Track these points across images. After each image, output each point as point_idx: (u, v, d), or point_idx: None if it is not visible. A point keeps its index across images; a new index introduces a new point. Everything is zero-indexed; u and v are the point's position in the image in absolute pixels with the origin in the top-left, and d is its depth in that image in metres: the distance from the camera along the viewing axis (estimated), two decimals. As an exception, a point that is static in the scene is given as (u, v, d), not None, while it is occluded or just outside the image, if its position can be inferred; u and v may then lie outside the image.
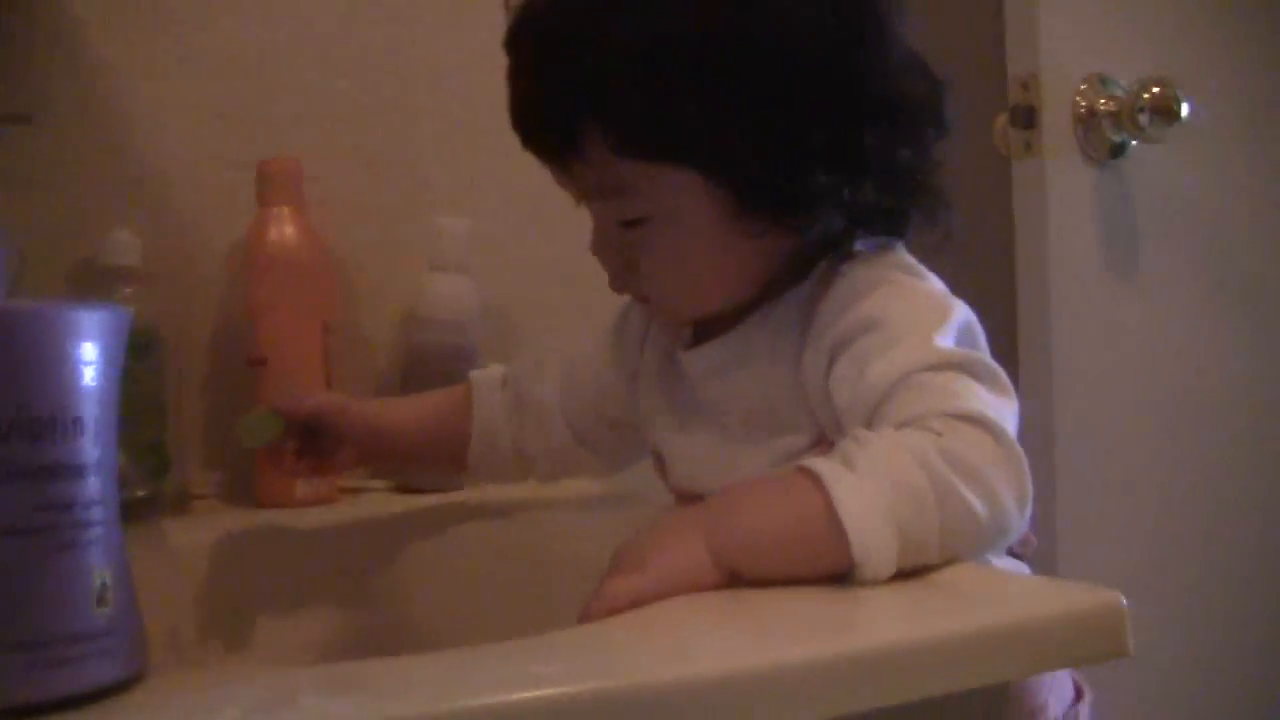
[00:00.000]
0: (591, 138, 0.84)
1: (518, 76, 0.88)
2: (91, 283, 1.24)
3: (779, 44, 0.83)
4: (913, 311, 0.83)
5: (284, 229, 1.27)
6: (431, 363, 1.32)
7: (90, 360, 0.55)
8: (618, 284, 0.93)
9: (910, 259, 0.90)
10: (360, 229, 1.39)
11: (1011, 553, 0.87)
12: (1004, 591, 0.72)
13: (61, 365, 0.54)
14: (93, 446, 0.55)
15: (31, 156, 1.25)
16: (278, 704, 0.54)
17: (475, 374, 1.12)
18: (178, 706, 0.55)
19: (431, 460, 1.16)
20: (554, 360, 1.09)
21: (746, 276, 0.90)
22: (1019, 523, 0.75)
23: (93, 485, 0.55)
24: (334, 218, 1.36)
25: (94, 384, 0.55)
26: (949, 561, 0.73)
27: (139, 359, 1.14)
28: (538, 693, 0.56)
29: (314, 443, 1.10)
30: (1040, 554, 0.94)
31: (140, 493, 1.13)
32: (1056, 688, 0.91)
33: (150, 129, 1.31)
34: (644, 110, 0.83)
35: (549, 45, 0.86)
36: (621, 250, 0.90)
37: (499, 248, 1.42)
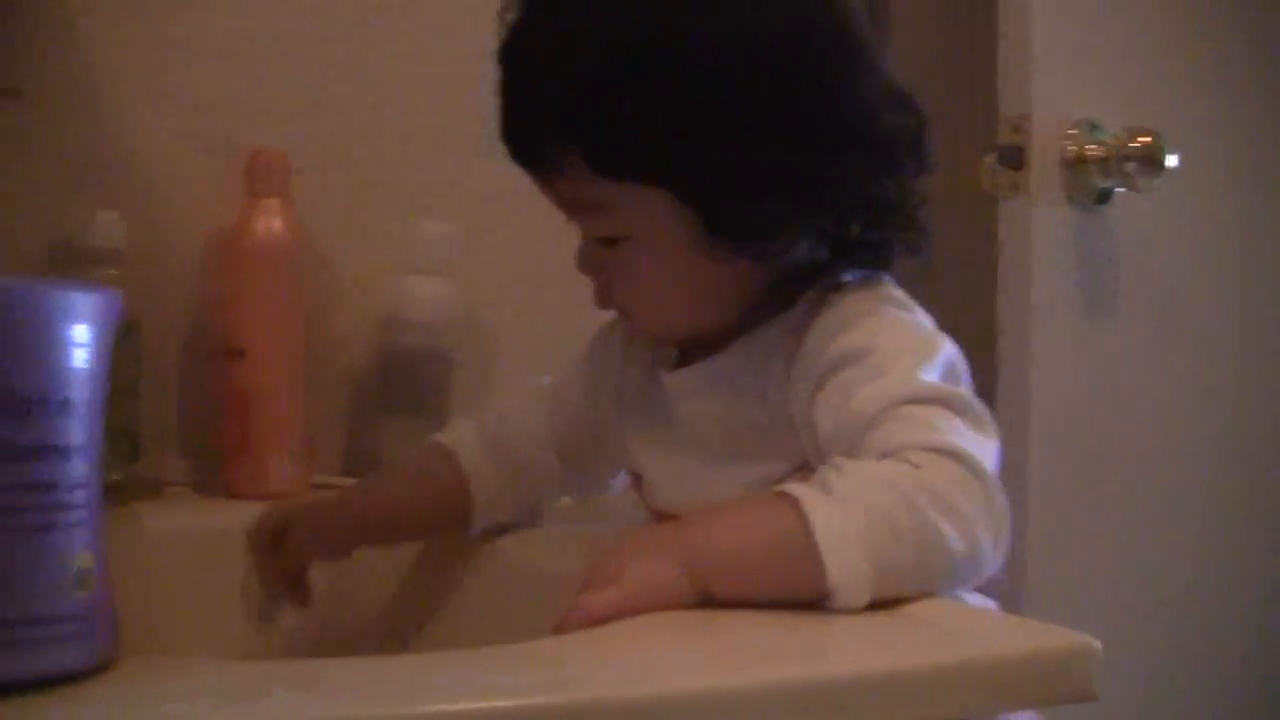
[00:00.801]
0: (570, 155, 0.85)
1: (502, 93, 0.89)
2: (72, 263, 1.23)
3: (746, 70, 0.83)
4: (899, 344, 0.83)
5: (271, 221, 1.27)
6: (410, 365, 1.32)
7: (81, 342, 0.55)
8: (601, 300, 0.93)
9: (898, 292, 0.90)
10: (343, 226, 1.39)
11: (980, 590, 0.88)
12: (975, 627, 0.73)
13: (52, 346, 0.54)
14: (79, 429, 0.55)
15: (18, 132, 1.25)
16: (249, 697, 0.54)
17: (451, 443, 1.06)
18: (151, 694, 0.55)
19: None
20: (530, 392, 1.09)
21: (721, 301, 0.90)
22: (994, 560, 0.75)
23: (77, 468, 0.55)
24: (317, 214, 1.36)
25: (84, 366, 0.55)
26: (922, 595, 0.73)
27: (117, 342, 1.13)
28: (500, 703, 0.56)
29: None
30: (1009, 593, 0.95)
31: (113, 477, 1.12)
32: (1022, 724, 0.92)
33: (136, 112, 1.31)
34: (615, 129, 0.83)
35: (528, 65, 0.87)
36: (602, 267, 0.91)
37: (482, 252, 1.42)
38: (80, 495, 0.55)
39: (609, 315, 1.00)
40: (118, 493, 1.12)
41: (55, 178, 1.27)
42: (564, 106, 0.84)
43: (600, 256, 0.90)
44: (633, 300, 0.91)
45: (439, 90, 1.42)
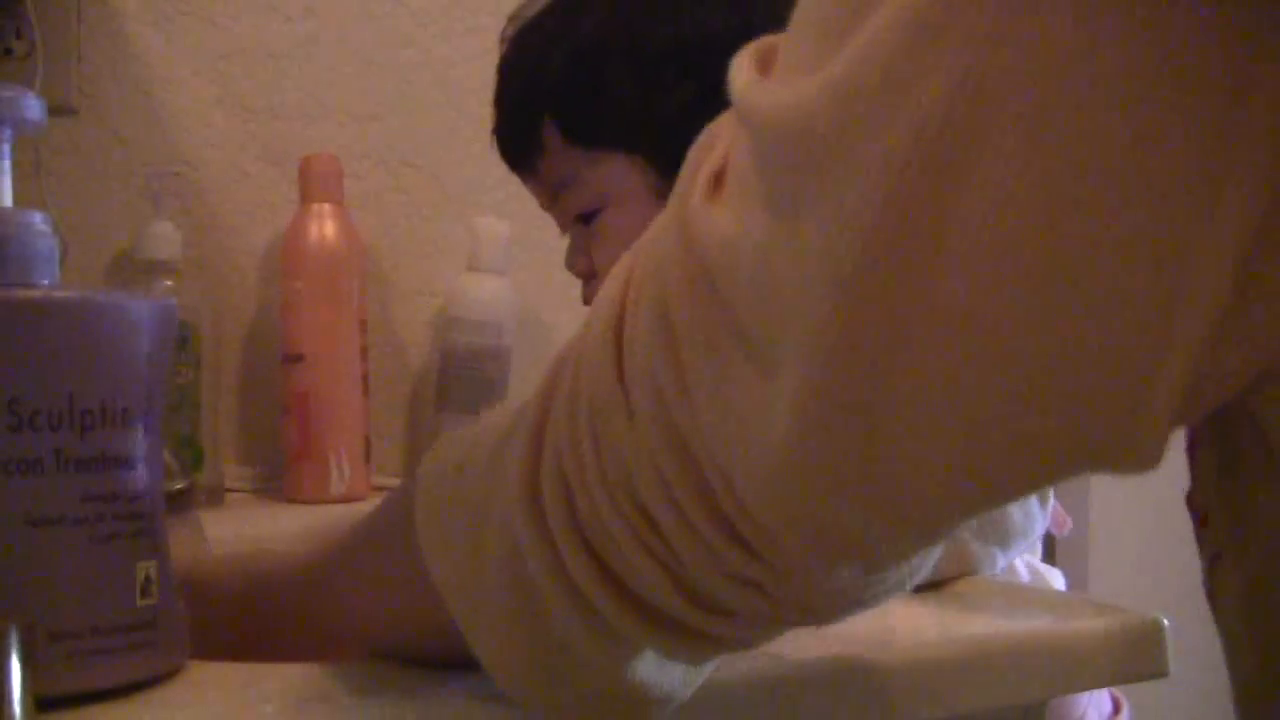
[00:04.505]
0: (548, 133, 0.96)
1: (497, 96, 1.01)
2: (130, 274, 1.24)
3: (694, 40, 0.93)
4: None
5: (325, 226, 1.27)
6: (467, 364, 1.32)
7: (141, 353, 0.56)
8: (588, 292, 1.01)
9: None
10: (399, 228, 1.39)
11: (1049, 540, 0.88)
12: (1044, 608, 0.72)
13: (113, 357, 0.55)
14: (140, 439, 0.55)
15: (75, 147, 1.26)
16: (315, 701, 0.55)
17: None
18: (217, 701, 0.55)
19: None
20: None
21: None
22: (1042, 519, 0.77)
23: (140, 477, 0.55)
24: (373, 216, 1.37)
25: (144, 376, 0.56)
26: (978, 569, 0.73)
27: (175, 352, 1.14)
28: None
29: None
30: (1072, 570, 0.94)
31: (177, 485, 1.13)
32: (1095, 701, 0.92)
33: (191, 122, 1.32)
34: (585, 101, 0.94)
35: (518, 64, 0.99)
36: (586, 254, 0.99)
37: (538, 251, 1.42)
38: (143, 504, 0.55)
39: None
40: (180, 500, 1.13)
41: (111, 190, 1.28)
42: (546, 88, 0.96)
43: (583, 242, 0.99)
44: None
45: (490, 92, 1.43)
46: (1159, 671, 0.66)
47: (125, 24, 1.29)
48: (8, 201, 0.57)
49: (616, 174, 0.95)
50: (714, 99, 0.89)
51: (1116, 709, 0.95)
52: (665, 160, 0.93)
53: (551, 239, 1.43)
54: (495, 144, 1.02)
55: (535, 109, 0.97)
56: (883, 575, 0.47)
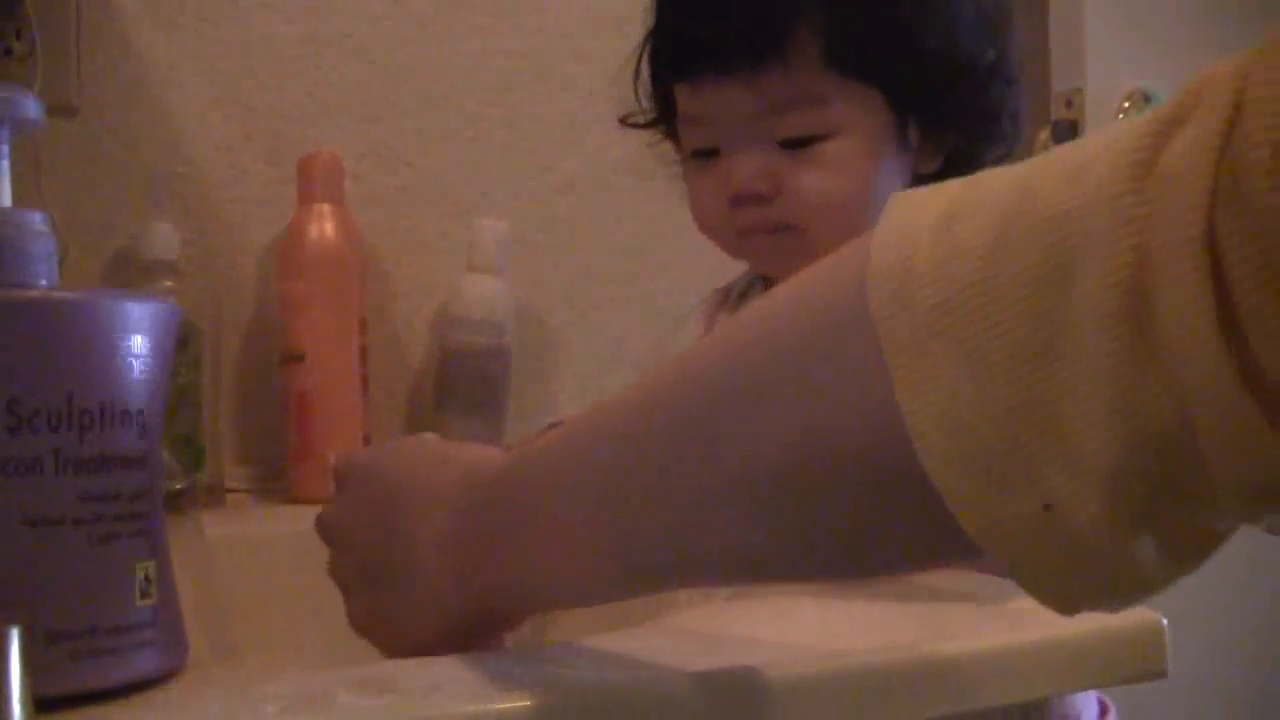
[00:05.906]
0: (802, 45, 0.89)
1: None
2: (130, 274, 1.24)
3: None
4: None
5: (325, 225, 1.27)
6: (466, 363, 1.32)
7: (140, 353, 0.56)
8: (757, 218, 0.94)
9: None
10: (398, 228, 1.39)
11: None
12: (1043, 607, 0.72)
13: (112, 357, 0.55)
14: (140, 439, 0.55)
15: (75, 147, 1.26)
16: (315, 701, 0.55)
17: None
18: (217, 701, 0.55)
19: None
20: None
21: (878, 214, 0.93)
22: None
23: (139, 477, 0.55)
24: (372, 216, 1.37)
25: (143, 377, 0.56)
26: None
27: (175, 351, 1.14)
28: (571, 694, 0.56)
29: None
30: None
31: (176, 485, 1.13)
32: (1085, 703, 0.91)
33: (191, 121, 1.32)
34: (865, 25, 0.90)
35: None
36: (777, 176, 0.92)
37: (536, 251, 1.42)
38: (142, 504, 0.55)
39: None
40: (180, 500, 1.13)
41: (111, 190, 1.28)
42: (830, 2, 0.89)
43: (772, 165, 0.92)
44: (814, 205, 0.92)
45: (491, 91, 1.43)
46: (1158, 672, 0.66)
47: (125, 24, 1.29)
48: (7, 201, 0.57)
49: (860, 106, 0.91)
50: (999, 73, 0.92)
51: (1104, 712, 0.95)
52: (910, 107, 0.92)
53: (552, 239, 1.44)
54: (712, 39, 0.92)
55: (800, 17, 0.89)
56: None
